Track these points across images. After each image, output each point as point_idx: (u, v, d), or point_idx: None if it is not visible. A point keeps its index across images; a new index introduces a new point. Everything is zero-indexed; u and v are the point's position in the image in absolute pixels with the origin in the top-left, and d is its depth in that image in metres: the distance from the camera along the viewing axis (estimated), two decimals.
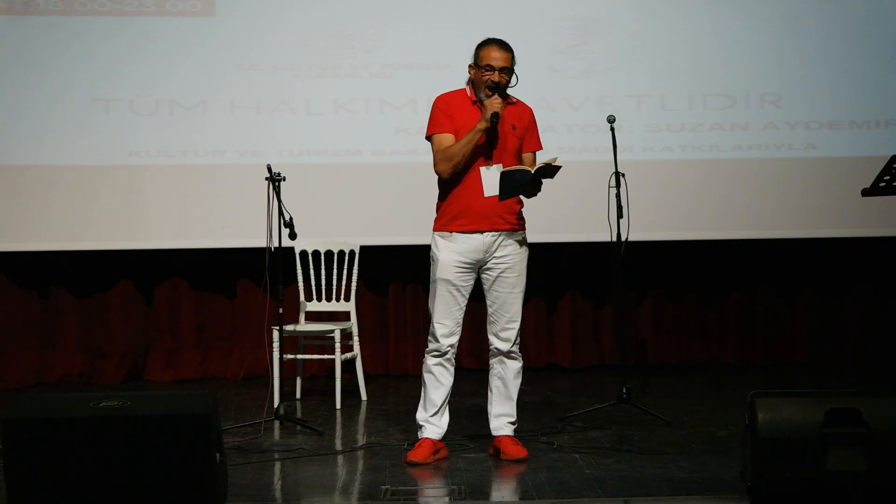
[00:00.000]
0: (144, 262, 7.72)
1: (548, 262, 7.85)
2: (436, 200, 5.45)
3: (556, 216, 7.50)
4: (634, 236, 6.47)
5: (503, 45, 5.34)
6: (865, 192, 5.48)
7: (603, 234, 6.40)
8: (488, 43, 5.36)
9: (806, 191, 7.65)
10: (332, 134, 7.51)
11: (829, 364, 7.93)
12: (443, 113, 5.38)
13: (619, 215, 6.16)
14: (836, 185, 7.54)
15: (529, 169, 5.23)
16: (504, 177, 5.21)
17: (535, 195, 5.35)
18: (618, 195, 6.18)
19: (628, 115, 7.41)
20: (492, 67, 5.30)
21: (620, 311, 7.13)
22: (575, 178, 7.44)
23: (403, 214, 7.43)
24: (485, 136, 5.28)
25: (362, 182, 7.51)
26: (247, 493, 4.84)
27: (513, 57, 5.34)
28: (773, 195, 7.64)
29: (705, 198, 7.64)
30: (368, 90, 7.50)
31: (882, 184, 5.41)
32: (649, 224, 7.31)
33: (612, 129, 6.24)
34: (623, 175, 6.20)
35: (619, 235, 6.23)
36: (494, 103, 5.25)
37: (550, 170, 5.25)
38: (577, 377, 7.81)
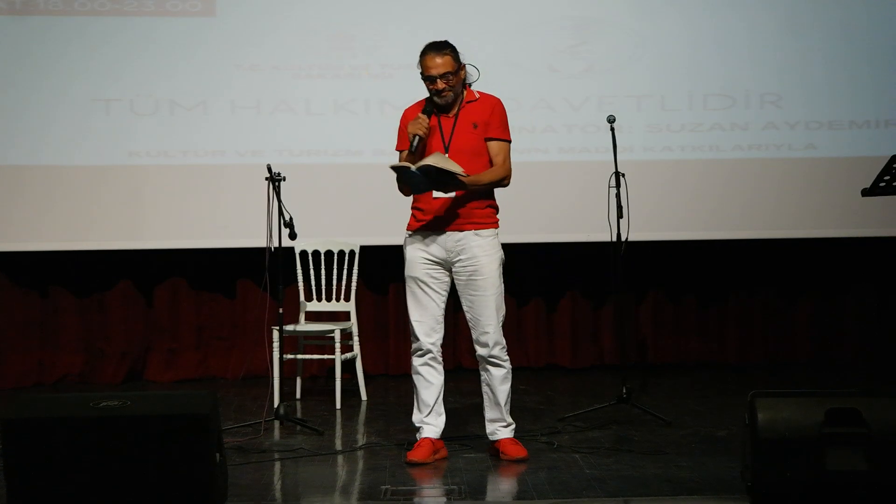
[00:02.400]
0: (144, 262, 7.72)
1: (548, 262, 7.86)
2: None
3: (556, 216, 7.51)
4: (634, 236, 6.47)
5: (437, 49, 5.24)
6: (865, 192, 5.48)
7: (603, 234, 6.40)
8: (424, 51, 5.26)
9: (806, 191, 7.64)
10: (332, 134, 7.51)
11: (829, 364, 7.92)
12: (402, 128, 5.37)
13: (619, 215, 6.16)
14: (836, 185, 7.53)
15: (410, 165, 5.13)
16: (398, 173, 5.17)
17: (449, 192, 5.23)
18: (618, 195, 6.18)
19: (628, 115, 7.40)
20: (432, 77, 5.23)
21: (620, 311, 7.14)
22: (575, 178, 7.48)
23: (404, 214, 7.37)
24: (439, 139, 5.25)
25: (362, 182, 7.51)
26: (247, 493, 4.84)
27: (454, 56, 5.24)
28: (773, 195, 7.63)
29: (705, 198, 7.64)
30: (369, 90, 7.50)
31: (882, 184, 5.41)
32: (649, 224, 7.31)
33: (612, 129, 6.24)
34: (623, 175, 6.20)
35: (619, 235, 6.23)
36: (417, 125, 5.19)
37: (436, 171, 5.10)
38: (577, 377, 7.81)
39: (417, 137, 5.20)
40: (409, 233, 5.39)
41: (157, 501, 4.21)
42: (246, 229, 7.24)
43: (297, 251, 7.14)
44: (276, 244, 5.96)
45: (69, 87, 7.39)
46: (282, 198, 5.96)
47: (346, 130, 7.51)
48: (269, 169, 5.95)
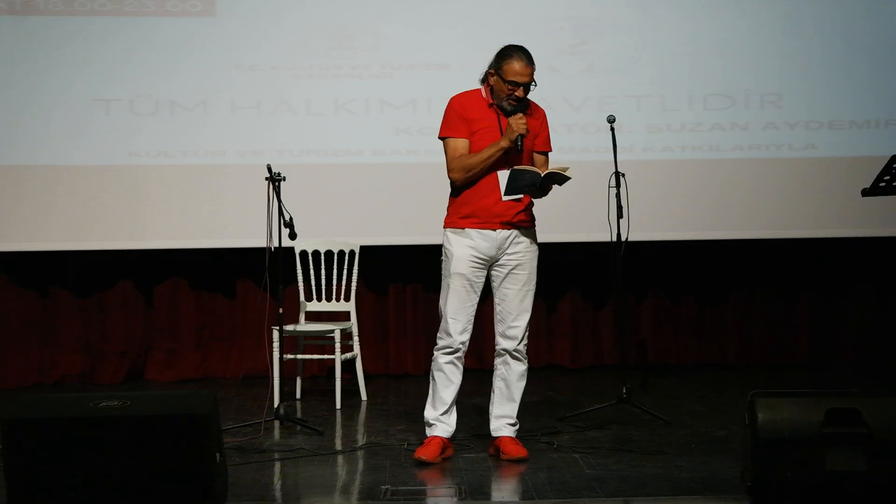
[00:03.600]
0: (145, 262, 7.72)
1: (548, 262, 7.81)
2: (440, 199, 5.45)
3: (556, 216, 7.46)
4: (634, 236, 6.47)
5: (528, 59, 5.25)
6: (865, 192, 5.48)
7: (603, 234, 6.40)
8: (512, 55, 5.25)
9: (806, 191, 7.65)
10: (332, 134, 7.51)
11: (829, 364, 7.92)
12: (458, 116, 5.32)
13: (619, 215, 6.16)
14: (836, 185, 7.54)
15: (539, 171, 5.23)
16: (514, 174, 5.21)
17: (541, 197, 5.36)
18: (618, 195, 6.18)
19: (628, 115, 7.41)
20: (517, 84, 5.24)
21: (620, 311, 7.14)
22: (575, 178, 7.43)
23: (403, 214, 7.43)
24: (500, 137, 5.26)
25: (362, 182, 7.51)
26: (247, 493, 4.84)
27: (534, 66, 5.27)
28: (773, 195, 7.63)
29: (705, 198, 7.64)
30: (368, 90, 7.50)
31: (882, 184, 5.41)
32: (649, 224, 7.31)
33: (612, 129, 6.24)
34: (623, 175, 6.20)
35: (619, 235, 6.23)
36: (520, 124, 5.20)
37: (560, 178, 5.24)
38: (577, 377, 7.81)
39: (521, 137, 5.21)
40: (454, 230, 5.35)
41: (157, 501, 4.21)
42: (246, 229, 7.24)
43: (297, 251, 7.14)
44: (276, 244, 5.96)
45: (69, 87, 7.39)
46: (282, 198, 5.96)
47: (346, 130, 7.51)
48: (269, 169, 5.95)
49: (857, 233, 7.70)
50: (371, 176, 7.51)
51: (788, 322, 8.06)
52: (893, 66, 7.62)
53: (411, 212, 7.32)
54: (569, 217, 7.48)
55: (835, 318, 8.05)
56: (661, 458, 5.35)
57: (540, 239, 7.68)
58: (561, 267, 7.91)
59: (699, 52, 7.58)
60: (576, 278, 7.99)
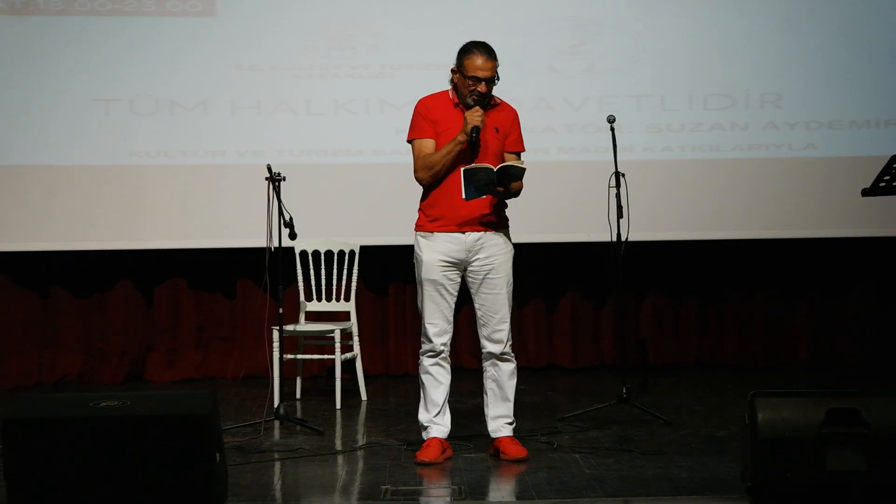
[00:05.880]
0: (144, 262, 7.72)
1: (548, 262, 7.86)
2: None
3: (557, 216, 7.51)
4: (634, 236, 6.47)
5: (489, 54, 5.24)
6: (865, 192, 5.49)
7: (603, 234, 6.40)
8: (472, 51, 5.24)
9: (806, 191, 7.64)
10: (332, 134, 7.51)
11: (829, 364, 7.92)
12: (423, 118, 5.34)
13: (619, 215, 6.16)
14: (836, 185, 7.54)
15: (492, 167, 5.19)
16: (467, 174, 5.18)
17: (503, 199, 5.32)
18: (618, 195, 6.18)
19: (628, 115, 7.40)
20: (478, 79, 5.23)
21: (620, 311, 7.14)
22: (575, 178, 7.48)
23: (404, 214, 7.35)
24: (466, 144, 5.24)
25: (362, 182, 7.51)
26: (247, 493, 4.84)
27: (497, 60, 5.26)
28: (773, 195, 7.63)
29: (705, 198, 7.64)
30: (368, 90, 7.50)
31: (882, 184, 5.41)
32: (649, 224, 7.31)
33: (612, 129, 6.24)
34: (623, 175, 6.20)
35: (619, 235, 6.23)
36: (475, 116, 5.18)
37: (516, 170, 5.20)
38: (577, 377, 7.81)
39: (477, 129, 5.19)
40: (423, 234, 5.38)
41: (156, 501, 4.21)
42: (246, 229, 7.24)
43: (297, 251, 7.14)
44: (276, 244, 5.96)
45: (69, 87, 7.39)
46: (282, 198, 5.96)
47: (346, 130, 7.51)
48: (269, 169, 5.95)
49: (857, 233, 7.70)
50: (371, 176, 7.51)
51: (788, 322, 8.06)
52: (893, 66, 7.62)
53: (411, 212, 7.26)
54: (569, 217, 7.49)
55: (835, 318, 8.05)
56: (661, 458, 5.35)
57: (541, 239, 7.71)
58: (561, 267, 7.93)
59: (699, 52, 7.58)
60: (576, 278, 7.99)
